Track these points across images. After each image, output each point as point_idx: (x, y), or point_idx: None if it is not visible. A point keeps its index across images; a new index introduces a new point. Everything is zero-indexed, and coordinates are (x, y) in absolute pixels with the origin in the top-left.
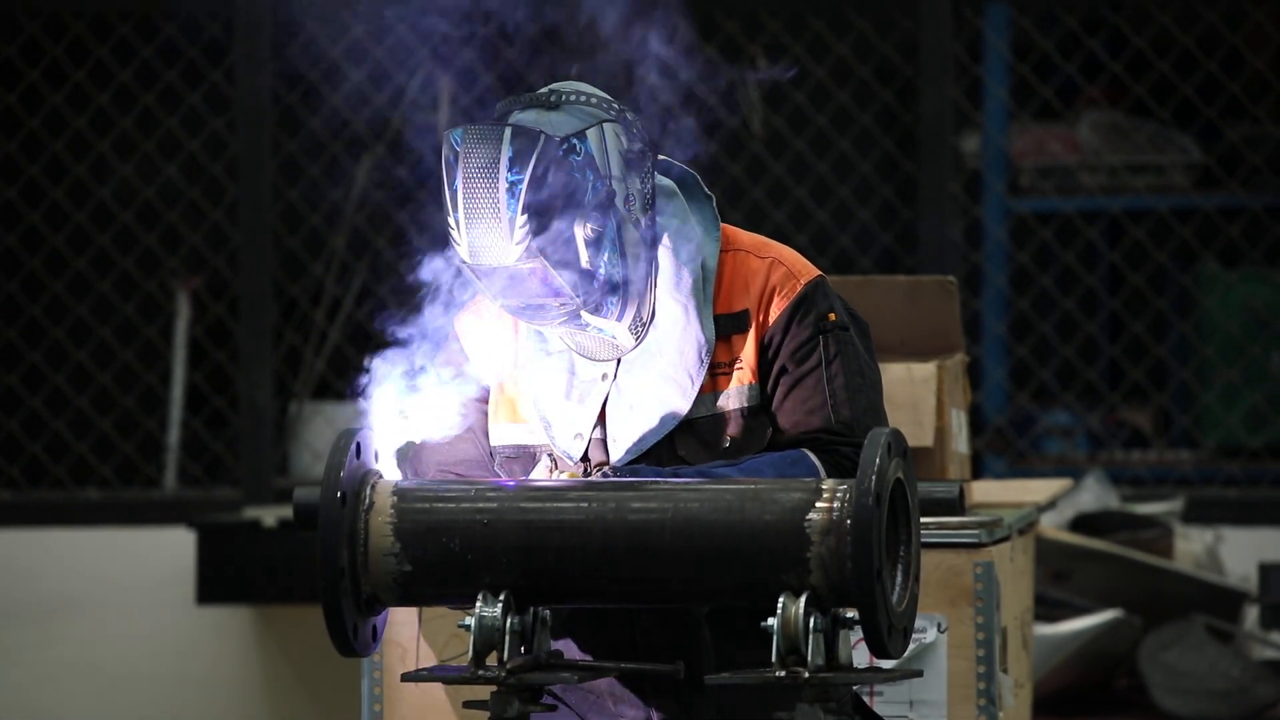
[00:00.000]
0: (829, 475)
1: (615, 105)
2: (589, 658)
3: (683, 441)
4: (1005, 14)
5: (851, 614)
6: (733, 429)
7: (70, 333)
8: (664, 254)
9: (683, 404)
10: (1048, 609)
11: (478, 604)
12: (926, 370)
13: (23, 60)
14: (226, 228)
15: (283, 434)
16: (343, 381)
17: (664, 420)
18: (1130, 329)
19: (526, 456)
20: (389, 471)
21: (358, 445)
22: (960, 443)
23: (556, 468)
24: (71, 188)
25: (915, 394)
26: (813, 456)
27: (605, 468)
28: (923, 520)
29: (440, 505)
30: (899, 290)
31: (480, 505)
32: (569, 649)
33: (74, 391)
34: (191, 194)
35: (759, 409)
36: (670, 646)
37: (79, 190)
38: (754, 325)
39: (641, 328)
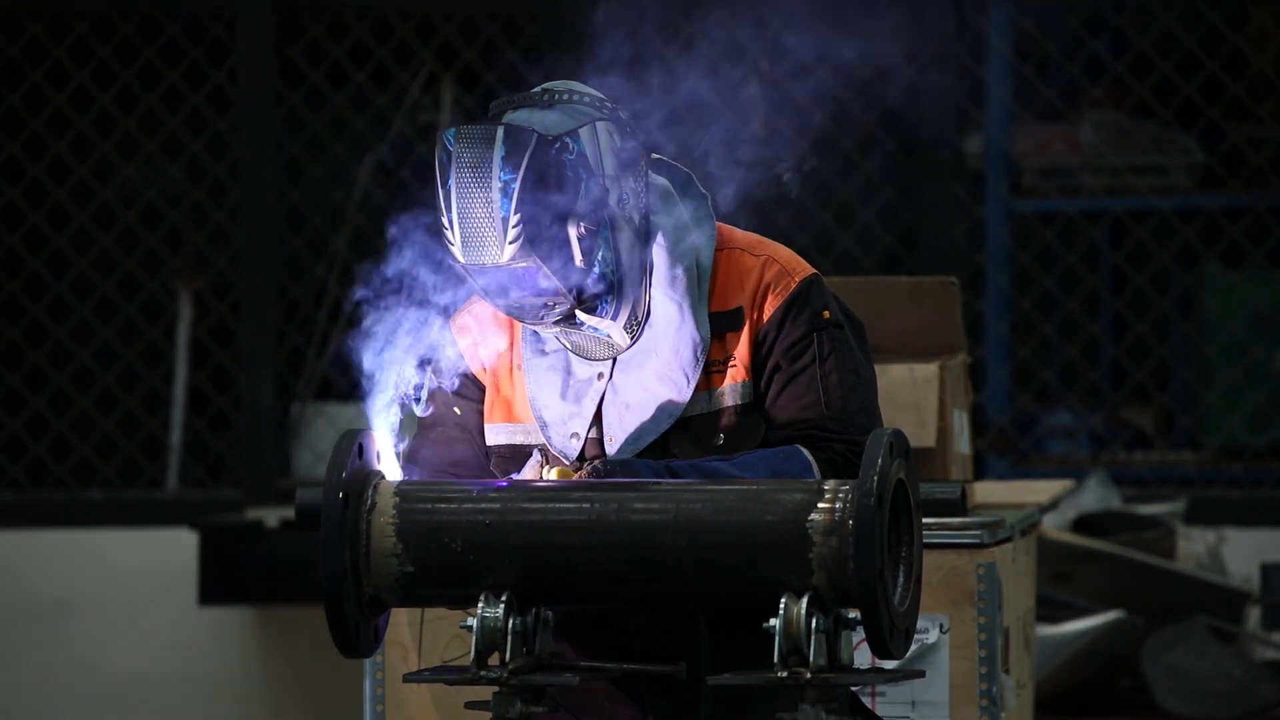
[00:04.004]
0: (822, 472)
1: (608, 104)
2: (583, 658)
3: (677, 440)
4: (1007, 14)
5: (854, 614)
6: (727, 427)
7: (73, 333)
8: (658, 252)
9: (679, 402)
10: (1050, 610)
11: (480, 605)
12: (929, 371)
13: (26, 60)
14: (229, 228)
15: (285, 435)
16: (345, 382)
17: (660, 418)
18: (1133, 330)
19: (522, 456)
20: (390, 471)
21: (360, 446)
22: (962, 443)
23: (548, 463)
24: (74, 188)
25: (917, 394)
26: (806, 452)
27: (596, 461)
28: (925, 521)
29: (442, 506)
30: (901, 291)
31: (482, 506)
32: (564, 649)
33: (76, 392)
34: (194, 194)
35: (753, 406)
36: (666, 646)
37: (81, 191)
38: (748, 323)
39: (637, 326)
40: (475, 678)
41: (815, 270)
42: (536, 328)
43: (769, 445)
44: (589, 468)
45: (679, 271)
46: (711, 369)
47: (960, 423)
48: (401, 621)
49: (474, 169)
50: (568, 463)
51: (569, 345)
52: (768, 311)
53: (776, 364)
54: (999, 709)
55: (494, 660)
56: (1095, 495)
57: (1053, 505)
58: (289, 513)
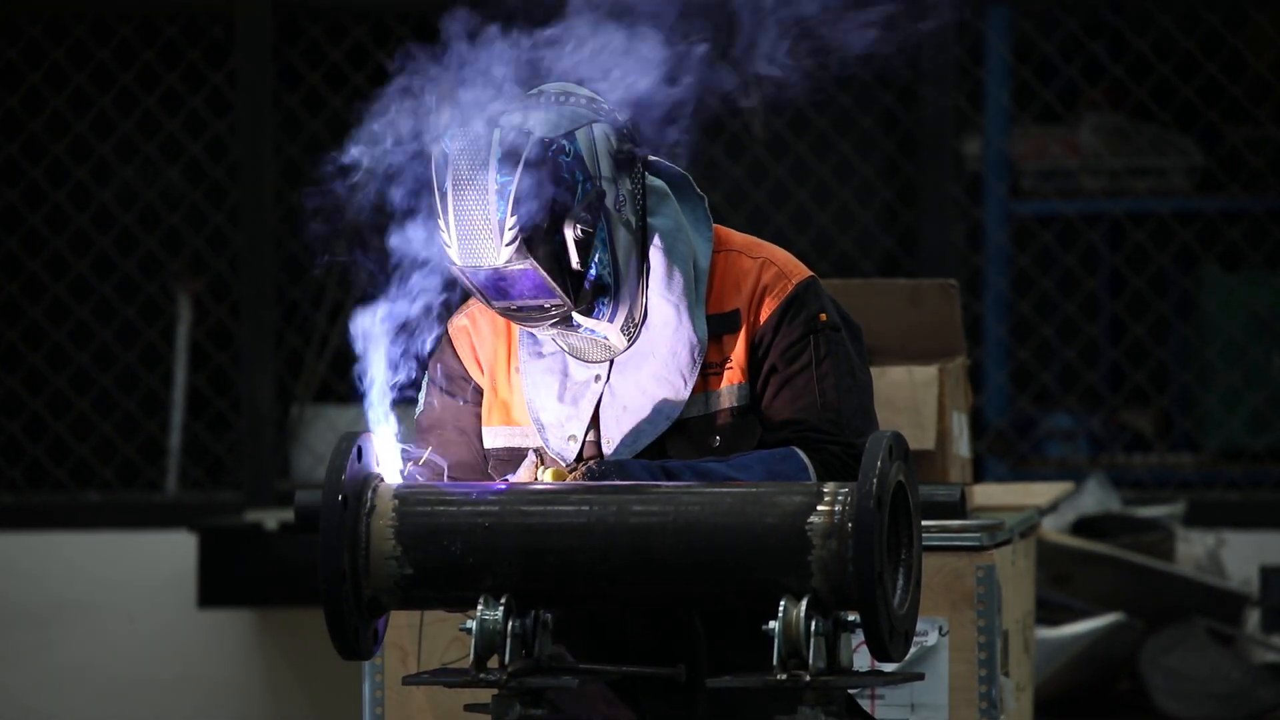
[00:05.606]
0: (818, 474)
1: (604, 106)
2: (581, 661)
3: (673, 441)
4: (1006, 17)
5: (853, 617)
6: (723, 428)
7: (71, 335)
8: (655, 255)
9: (676, 404)
10: (1049, 612)
11: (479, 607)
12: (928, 373)
13: (24, 63)
14: (228, 230)
15: (284, 437)
16: (344, 384)
17: (658, 420)
18: (1131, 332)
19: (520, 459)
20: (390, 474)
21: (359, 448)
22: (961, 446)
23: (543, 464)
24: (73, 190)
25: (917, 397)
26: (802, 454)
27: (591, 461)
28: (924, 523)
29: (441, 508)
30: (900, 293)
31: (481, 509)
32: (562, 652)
33: (75, 394)
34: (193, 197)
35: (749, 408)
36: (663, 648)
37: (80, 193)
38: (744, 325)
39: (634, 329)
40: (474, 680)
41: (812, 273)
42: (533, 330)
43: (765, 447)
44: (584, 469)
45: (676, 273)
46: (708, 371)
47: (959, 425)
48: (401, 624)
49: (470, 171)
50: (563, 464)
51: (566, 347)
52: (764, 314)
53: (773, 366)
54: (998, 711)
55: (493, 663)
56: (1094, 498)
57: (1052, 508)
58: (288, 515)
